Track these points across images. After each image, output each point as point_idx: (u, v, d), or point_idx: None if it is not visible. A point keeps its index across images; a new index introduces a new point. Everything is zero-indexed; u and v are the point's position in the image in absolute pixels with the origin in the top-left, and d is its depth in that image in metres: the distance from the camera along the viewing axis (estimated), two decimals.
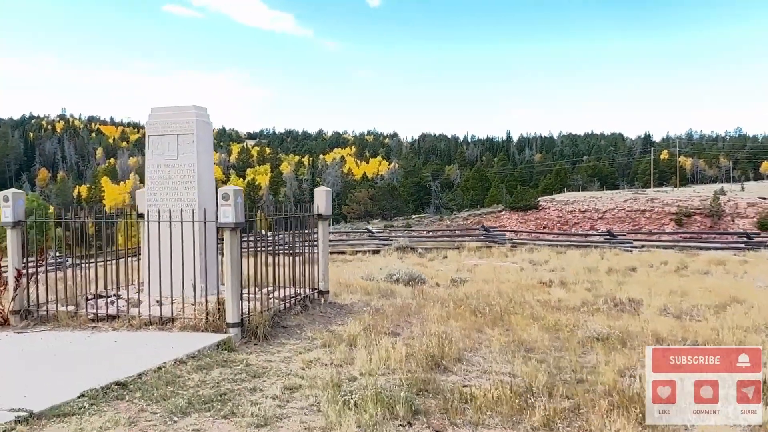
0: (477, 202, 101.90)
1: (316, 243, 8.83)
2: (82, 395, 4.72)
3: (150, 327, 7.03)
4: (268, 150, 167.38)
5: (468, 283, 12.79)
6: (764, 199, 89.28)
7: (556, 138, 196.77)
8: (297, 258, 8.39)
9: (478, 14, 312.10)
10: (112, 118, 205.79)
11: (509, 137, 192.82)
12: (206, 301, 7.05)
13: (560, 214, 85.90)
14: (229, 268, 6.68)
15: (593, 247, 20.63)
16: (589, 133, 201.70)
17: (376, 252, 21.17)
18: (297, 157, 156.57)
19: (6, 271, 7.79)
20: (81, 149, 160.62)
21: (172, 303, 7.49)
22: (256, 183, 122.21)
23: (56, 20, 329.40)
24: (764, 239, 22.46)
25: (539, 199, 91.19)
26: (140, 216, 9.08)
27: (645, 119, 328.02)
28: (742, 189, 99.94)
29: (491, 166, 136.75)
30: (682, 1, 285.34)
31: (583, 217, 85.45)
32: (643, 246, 21.18)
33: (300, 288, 8.45)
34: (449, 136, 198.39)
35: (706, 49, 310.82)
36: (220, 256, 8.41)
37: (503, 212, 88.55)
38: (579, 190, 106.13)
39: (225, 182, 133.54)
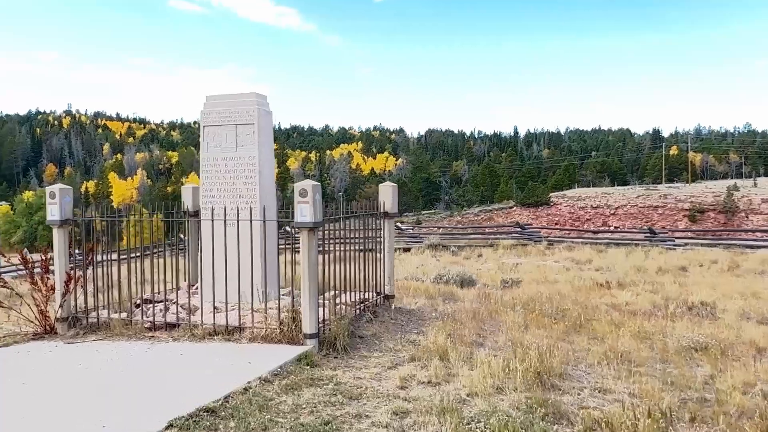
0: (487, 198, 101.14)
1: (379, 242, 8.13)
2: (170, 425, 4.03)
3: (215, 337, 6.34)
4: (274, 146, 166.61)
5: (522, 285, 12.09)
6: None
7: (563, 134, 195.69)
8: (364, 260, 7.67)
9: (483, 9, 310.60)
10: (118, 114, 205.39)
11: (516, 133, 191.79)
12: (278, 309, 6.35)
13: (572, 210, 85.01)
14: (306, 272, 5.99)
15: (634, 245, 19.89)
16: (597, 128, 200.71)
17: (406, 250, 20.47)
18: (303, 153, 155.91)
19: (44, 271, 7.10)
20: (88, 145, 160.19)
21: (233, 310, 6.82)
22: None
23: (60, 17, 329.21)
24: None
25: (550, 195, 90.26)
26: (187, 214, 8.43)
27: (652, 115, 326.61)
28: (755, 185, 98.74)
29: (499, 162, 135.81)
30: None
31: (594, 214, 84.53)
32: (686, 244, 20.44)
33: (366, 292, 7.75)
34: (456, 132, 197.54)
35: (713, 45, 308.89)
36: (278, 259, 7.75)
37: (514, 208, 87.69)
38: (589, 186, 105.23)
39: None
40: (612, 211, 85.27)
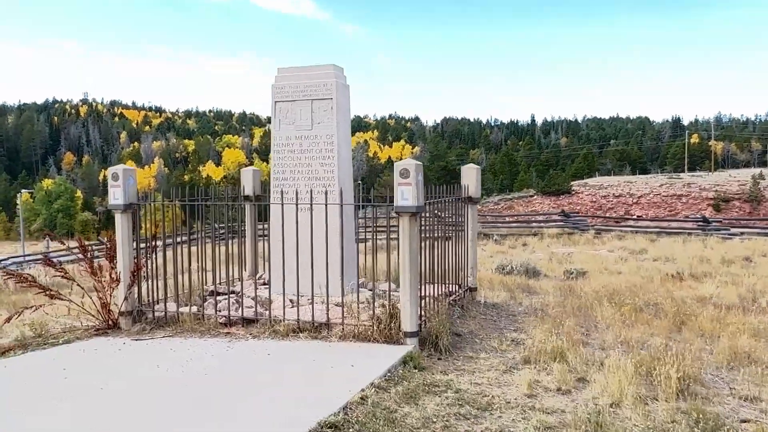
0: (506, 187, 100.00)
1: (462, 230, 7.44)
2: None
3: (299, 335, 5.69)
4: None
5: (589, 276, 11.35)
6: None
7: (580, 122, 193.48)
8: (440, 249, 6.98)
9: None
10: (134, 103, 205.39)
11: (533, 121, 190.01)
12: (372, 304, 5.69)
13: (594, 199, 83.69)
14: (407, 262, 5.32)
15: (687, 234, 19.04)
16: (615, 116, 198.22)
17: (447, 239, 19.71)
18: None
19: (110, 260, 6.49)
20: (105, 133, 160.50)
21: (311, 304, 6.17)
22: None
23: (76, 5, 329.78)
24: None
25: (571, 183, 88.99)
26: (246, 198, 7.80)
27: (671, 103, 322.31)
28: None
29: (517, 150, 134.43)
30: None
31: (617, 202, 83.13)
32: (742, 233, 19.56)
33: (449, 285, 7.07)
34: (472, 120, 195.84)
35: (732, 32, 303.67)
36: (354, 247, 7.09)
37: (534, 197, 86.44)
38: (609, 175, 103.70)
39: (248, 166, 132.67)
40: (635, 200, 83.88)
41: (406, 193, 5.25)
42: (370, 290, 7.12)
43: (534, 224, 22.54)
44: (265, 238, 6.94)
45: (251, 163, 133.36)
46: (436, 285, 6.96)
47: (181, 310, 6.27)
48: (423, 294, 6.58)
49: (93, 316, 6.31)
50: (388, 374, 4.66)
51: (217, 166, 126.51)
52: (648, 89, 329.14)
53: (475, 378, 4.86)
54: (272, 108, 6.84)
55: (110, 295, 6.16)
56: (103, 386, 4.52)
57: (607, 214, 76.36)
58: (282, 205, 6.41)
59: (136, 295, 6.32)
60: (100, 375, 4.83)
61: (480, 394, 4.47)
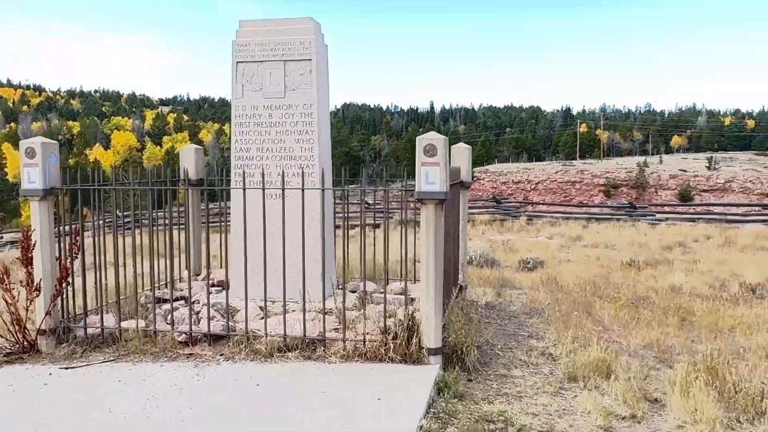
0: (409, 173, 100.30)
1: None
2: None
3: (288, 354, 4.49)
4: (185, 117, 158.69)
5: (548, 266, 10.76)
6: (684, 171, 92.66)
7: (477, 110, 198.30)
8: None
9: None
10: (9, 80, 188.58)
11: (432, 108, 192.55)
12: (384, 314, 4.58)
13: (495, 185, 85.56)
14: (431, 262, 4.26)
15: (615, 220, 19.11)
16: (509, 105, 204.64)
17: (377, 227, 18.74)
18: (217, 125, 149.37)
19: (26, 264, 4.98)
20: None
21: (290, 312, 4.99)
22: (176, 151, 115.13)
23: None
24: None
25: (474, 170, 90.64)
26: (189, 183, 6.46)
27: (560, 93, 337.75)
28: (661, 162, 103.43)
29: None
30: None
31: (516, 189, 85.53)
32: (667, 219, 19.91)
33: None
34: (372, 106, 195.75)
35: (614, 27, 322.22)
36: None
37: (371, 188, 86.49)
38: (507, 162, 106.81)
39: (140, 150, 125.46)
40: (533, 186, 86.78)
41: (433, 174, 4.18)
42: (353, 291, 6.02)
43: None
44: (214, 229, 5.65)
45: (143, 147, 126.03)
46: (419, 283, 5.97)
47: (123, 325, 4.88)
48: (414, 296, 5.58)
49: (2, 336, 4.80)
50: (429, 410, 3.61)
51: (105, 150, 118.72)
52: (539, 80, 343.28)
53: (527, 406, 3.89)
54: (233, 70, 5.52)
55: (27, 309, 4.67)
56: None
57: (509, 200, 78.38)
58: (244, 190, 5.13)
59: (60, 308, 4.85)
60: (24, 430, 3.45)
61: (548, 431, 3.52)
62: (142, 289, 5.76)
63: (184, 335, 4.71)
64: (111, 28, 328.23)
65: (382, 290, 5.47)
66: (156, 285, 5.54)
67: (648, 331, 5.85)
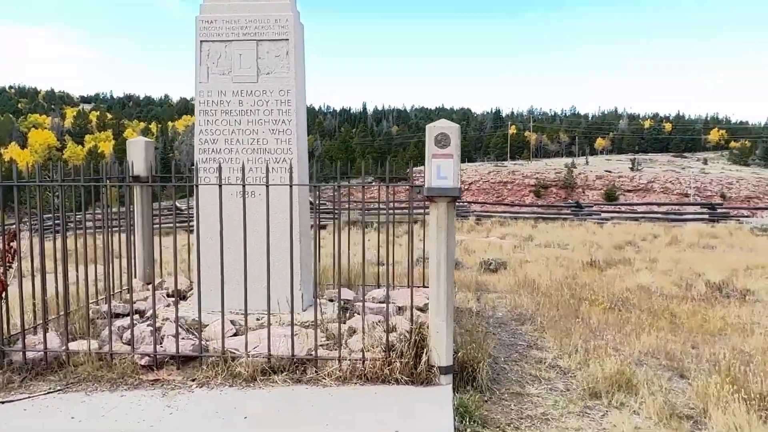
0: (343, 174, 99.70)
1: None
2: None
3: (274, 377, 3.86)
4: (109, 115, 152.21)
5: (511, 267, 10.44)
6: (609, 172, 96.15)
7: (409, 111, 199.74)
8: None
9: None
10: None
11: (365, 109, 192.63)
12: (386, 329, 4.01)
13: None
14: (442, 267, 3.74)
15: (562, 219, 19.13)
16: (440, 107, 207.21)
17: (322, 227, 18.10)
18: (143, 124, 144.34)
19: None
20: None
21: (263, 327, 4.36)
22: (99, 150, 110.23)
23: None
24: (727, 210, 22.51)
25: (408, 170, 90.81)
26: (136, 179, 5.72)
27: (490, 95, 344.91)
28: (587, 163, 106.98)
29: (352, 138, 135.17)
30: None
31: None
32: (612, 218, 20.13)
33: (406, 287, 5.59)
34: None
35: (541, 32, 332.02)
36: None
37: (374, 183, 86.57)
38: None
39: (60, 149, 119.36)
40: (466, 187, 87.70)
41: (445, 168, 3.67)
42: (330, 300, 5.42)
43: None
44: (165, 232, 4.94)
45: (63, 146, 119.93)
46: (402, 289, 5.50)
47: (72, 346, 4.12)
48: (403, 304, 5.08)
49: None
50: None
51: (22, 149, 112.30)
52: (469, 82, 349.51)
53: (559, 431, 3.43)
54: (196, 50, 4.82)
55: None
56: None
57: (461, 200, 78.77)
58: (220, 186, 4.48)
59: None
60: None
61: None
62: (87, 301, 4.98)
63: (147, 358, 4.00)
64: (22, 21, 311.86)
65: (360, 299, 4.92)
66: (104, 296, 4.79)
67: (645, 336, 5.53)
